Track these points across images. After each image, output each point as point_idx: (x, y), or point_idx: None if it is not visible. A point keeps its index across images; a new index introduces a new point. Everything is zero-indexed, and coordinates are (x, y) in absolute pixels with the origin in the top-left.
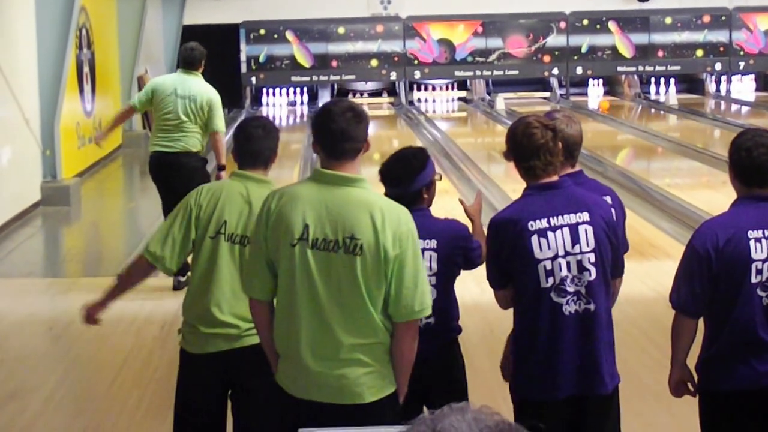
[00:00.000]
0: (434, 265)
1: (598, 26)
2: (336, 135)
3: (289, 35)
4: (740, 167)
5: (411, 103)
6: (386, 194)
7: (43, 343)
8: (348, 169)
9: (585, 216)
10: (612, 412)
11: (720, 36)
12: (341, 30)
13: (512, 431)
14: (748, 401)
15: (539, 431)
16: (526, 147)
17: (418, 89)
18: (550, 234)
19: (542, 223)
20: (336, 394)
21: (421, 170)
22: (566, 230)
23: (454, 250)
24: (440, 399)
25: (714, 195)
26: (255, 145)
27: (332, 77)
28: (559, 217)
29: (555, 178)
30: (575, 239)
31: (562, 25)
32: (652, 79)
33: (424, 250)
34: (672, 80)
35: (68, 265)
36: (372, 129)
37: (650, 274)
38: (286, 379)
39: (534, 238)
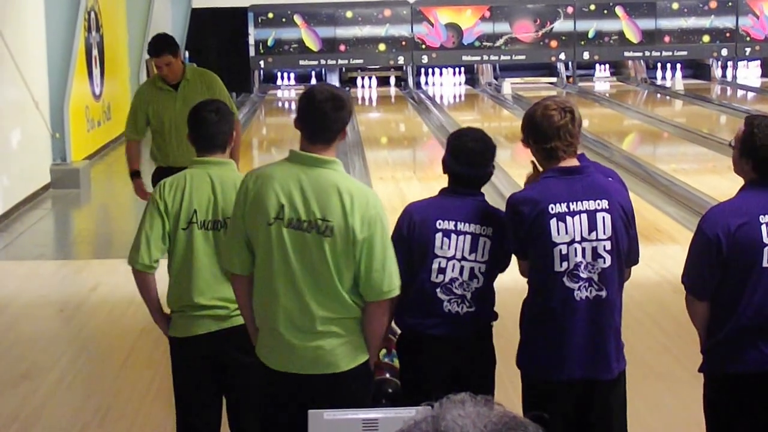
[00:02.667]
0: (486, 254)
1: (605, 11)
2: (314, 120)
3: (297, 19)
4: (757, 153)
5: (419, 86)
6: (455, 173)
7: (55, 324)
8: (323, 152)
9: (604, 203)
10: (618, 396)
11: (726, 22)
12: (349, 14)
13: (516, 424)
14: (755, 384)
15: (543, 421)
16: (546, 129)
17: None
18: (568, 219)
19: (562, 207)
20: (312, 364)
21: (495, 153)
22: (584, 216)
23: (503, 240)
24: (471, 386)
25: (719, 180)
26: (210, 130)
27: (340, 61)
28: (579, 202)
29: (575, 162)
30: (592, 226)
31: (569, 10)
32: (659, 65)
33: (479, 236)
34: (678, 66)
35: (78, 247)
36: (379, 113)
37: (655, 259)
38: (265, 352)
39: (553, 222)
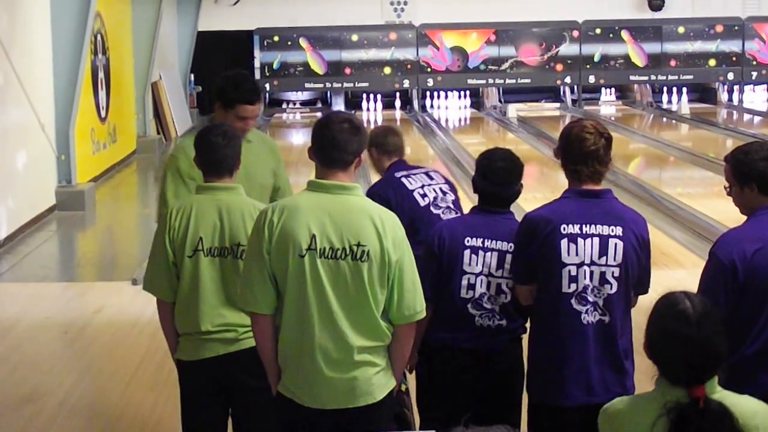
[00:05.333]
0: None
1: (610, 35)
2: (328, 143)
3: (303, 42)
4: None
5: (424, 110)
6: (484, 192)
7: (59, 346)
8: (340, 178)
9: (618, 230)
10: None
11: (732, 46)
12: (355, 37)
13: None
14: None
15: None
16: (577, 150)
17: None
18: (580, 240)
19: (574, 229)
20: (349, 397)
21: (522, 171)
22: (596, 240)
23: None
24: (499, 398)
25: (725, 204)
26: (217, 154)
27: (345, 84)
28: (592, 226)
29: (598, 186)
30: (603, 251)
31: (575, 33)
32: (665, 88)
33: (506, 252)
34: (684, 89)
35: (83, 269)
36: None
37: (661, 283)
38: (296, 390)
39: (564, 242)
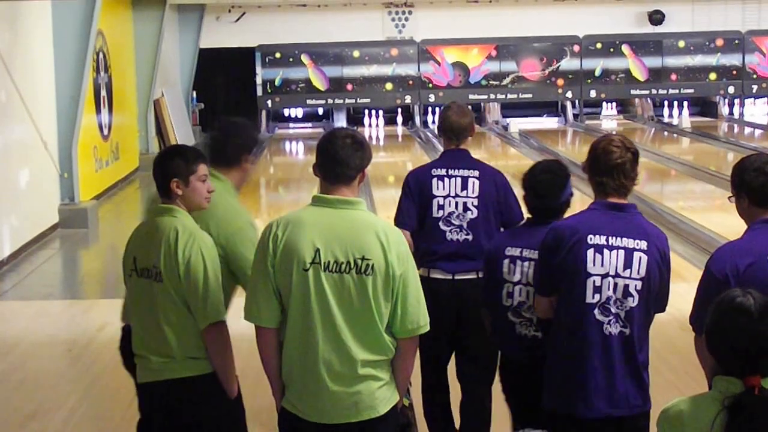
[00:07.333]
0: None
1: (611, 50)
2: (331, 158)
3: (305, 58)
4: (760, 189)
5: (426, 125)
6: (530, 206)
7: (62, 364)
8: (344, 193)
9: (643, 244)
10: None
11: (733, 59)
12: (356, 53)
13: None
14: None
15: None
16: (603, 163)
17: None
18: (606, 252)
19: (601, 240)
20: (352, 412)
21: (568, 181)
22: (621, 253)
23: None
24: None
25: (727, 218)
26: (154, 175)
27: (347, 100)
28: (618, 238)
29: (624, 200)
30: (628, 264)
31: (576, 48)
32: (666, 102)
33: (532, 260)
34: (685, 103)
35: (86, 287)
36: (386, 151)
37: None
38: (300, 404)
39: (590, 252)
